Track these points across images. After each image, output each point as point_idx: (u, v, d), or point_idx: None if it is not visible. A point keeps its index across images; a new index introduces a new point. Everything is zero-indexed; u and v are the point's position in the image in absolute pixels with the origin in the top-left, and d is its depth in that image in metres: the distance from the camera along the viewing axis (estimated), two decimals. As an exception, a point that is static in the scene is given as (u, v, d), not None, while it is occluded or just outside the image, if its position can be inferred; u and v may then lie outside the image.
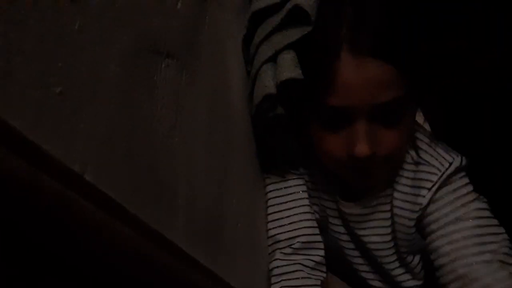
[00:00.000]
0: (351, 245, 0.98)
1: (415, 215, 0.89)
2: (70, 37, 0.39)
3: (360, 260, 0.99)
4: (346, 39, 0.75)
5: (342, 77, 0.75)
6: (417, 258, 0.97)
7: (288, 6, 0.78)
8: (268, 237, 0.91)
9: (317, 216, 0.97)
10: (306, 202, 0.93)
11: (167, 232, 0.51)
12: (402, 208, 0.90)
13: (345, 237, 0.97)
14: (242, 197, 0.80)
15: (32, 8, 0.35)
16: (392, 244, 0.94)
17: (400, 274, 0.98)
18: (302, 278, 0.87)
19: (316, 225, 0.93)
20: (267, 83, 0.79)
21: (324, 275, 0.90)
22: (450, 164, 0.86)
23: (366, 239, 0.94)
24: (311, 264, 0.89)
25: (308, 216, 0.92)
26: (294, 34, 0.78)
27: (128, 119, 0.48)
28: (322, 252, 0.91)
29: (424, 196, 0.87)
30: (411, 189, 0.89)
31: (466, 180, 0.88)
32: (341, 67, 0.75)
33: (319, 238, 0.92)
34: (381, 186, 0.91)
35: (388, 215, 0.92)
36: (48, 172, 0.33)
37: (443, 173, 0.86)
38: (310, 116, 0.83)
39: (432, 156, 0.88)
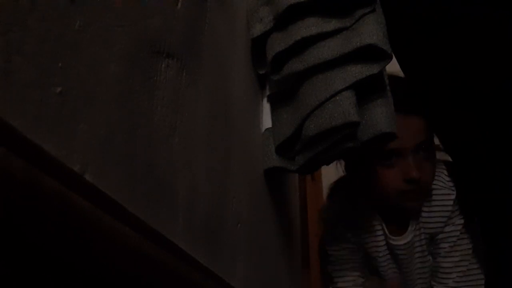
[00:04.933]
0: (394, 266, 1.39)
1: (442, 225, 1.29)
2: (70, 37, 0.39)
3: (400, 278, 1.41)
4: (399, 104, 0.98)
5: (398, 129, 0.96)
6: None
7: (357, 44, 0.83)
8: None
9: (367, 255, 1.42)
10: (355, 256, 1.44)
11: (167, 232, 0.51)
12: (429, 226, 1.30)
13: (391, 263, 1.39)
14: (243, 197, 0.80)
15: (32, 8, 0.35)
16: (426, 257, 1.35)
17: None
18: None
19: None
20: (351, 110, 0.83)
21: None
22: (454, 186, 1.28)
23: (411, 261, 1.35)
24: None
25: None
26: (374, 67, 0.85)
27: (128, 119, 0.48)
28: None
29: (448, 211, 1.27)
30: (432, 212, 1.30)
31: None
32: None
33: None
34: (415, 218, 1.31)
35: (423, 240, 1.32)
36: (48, 172, 0.33)
37: (455, 191, 1.27)
38: (373, 158, 1.23)
39: (442, 181, 1.28)
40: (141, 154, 0.51)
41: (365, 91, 0.89)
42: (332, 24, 0.84)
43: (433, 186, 1.28)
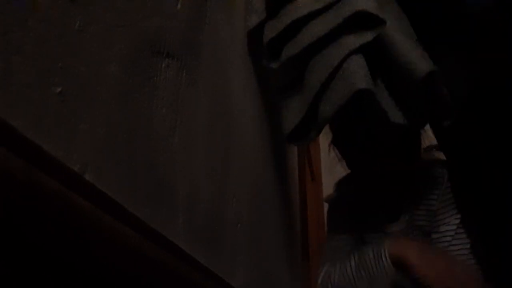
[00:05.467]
0: None
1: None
2: (70, 37, 0.39)
3: None
4: None
5: None
6: None
7: (346, 13, 0.81)
8: None
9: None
10: None
11: (167, 232, 0.51)
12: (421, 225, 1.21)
13: None
14: (243, 197, 0.80)
15: (32, 8, 0.35)
16: None
17: None
18: None
19: None
20: (357, 79, 0.81)
21: None
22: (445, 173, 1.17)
23: None
24: None
25: None
26: (367, 35, 0.82)
27: (128, 119, 0.48)
28: None
29: (433, 205, 1.18)
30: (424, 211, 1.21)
31: None
32: None
33: None
34: (406, 210, 1.20)
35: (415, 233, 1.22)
36: (48, 172, 0.33)
37: (442, 186, 1.19)
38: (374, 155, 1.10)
39: (428, 175, 1.20)
40: (141, 154, 0.50)
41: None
42: (321, 1, 0.83)
43: (420, 180, 1.23)
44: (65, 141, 0.39)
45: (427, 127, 1.22)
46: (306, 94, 0.85)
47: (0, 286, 0.31)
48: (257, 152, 0.90)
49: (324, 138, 1.17)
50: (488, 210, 1.10)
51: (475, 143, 1.07)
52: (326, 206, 1.57)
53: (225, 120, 0.75)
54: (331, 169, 1.42)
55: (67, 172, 0.37)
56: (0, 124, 0.30)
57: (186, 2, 0.61)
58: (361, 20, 0.81)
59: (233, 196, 0.75)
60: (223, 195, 0.72)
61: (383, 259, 1.05)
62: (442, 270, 1.06)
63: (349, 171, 1.37)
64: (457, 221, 1.21)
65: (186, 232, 0.58)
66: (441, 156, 1.26)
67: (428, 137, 1.26)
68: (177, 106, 0.58)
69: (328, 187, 1.56)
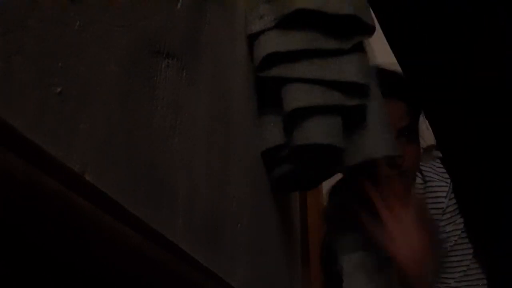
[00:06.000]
0: None
1: (438, 219, 1.23)
2: (70, 37, 0.39)
3: None
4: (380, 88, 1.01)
5: None
6: None
7: (348, 79, 0.92)
8: None
9: None
10: None
11: (167, 232, 0.51)
12: None
13: None
14: (243, 197, 0.80)
15: (32, 8, 0.35)
16: None
17: None
18: None
19: None
20: (339, 136, 0.91)
21: None
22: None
23: None
24: None
25: None
26: (352, 100, 0.92)
27: (128, 119, 0.48)
28: None
29: (442, 202, 1.23)
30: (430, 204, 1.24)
31: None
32: None
33: None
34: None
35: None
36: (48, 172, 0.33)
37: (450, 184, 1.24)
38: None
39: (435, 173, 1.26)
40: (141, 154, 0.50)
41: (356, 118, 0.95)
42: (331, 43, 0.89)
43: (426, 178, 1.26)
44: (65, 141, 0.39)
45: (427, 127, 1.24)
46: (283, 117, 0.91)
47: (0, 286, 0.31)
48: (257, 152, 0.90)
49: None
50: (486, 213, 1.11)
51: (473, 144, 1.07)
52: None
53: (225, 120, 0.75)
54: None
55: (67, 172, 0.37)
56: (0, 124, 0.30)
57: (186, 2, 0.61)
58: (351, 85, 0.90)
59: (233, 196, 0.75)
60: (223, 195, 0.72)
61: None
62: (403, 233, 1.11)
63: None
64: (463, 220, 1.23)
65: (186, 232, 0.58)
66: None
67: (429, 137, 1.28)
68: (177, 106, 0.58)
69: (328, 187, 1.55)
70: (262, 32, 0.89)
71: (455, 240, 1.25)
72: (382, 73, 1.07)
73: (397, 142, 1.08)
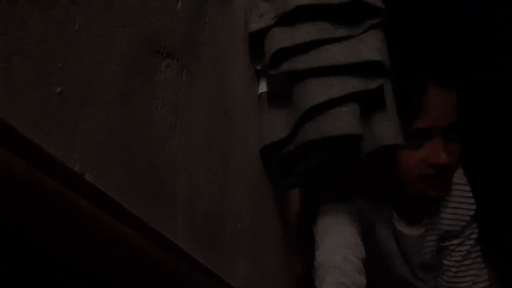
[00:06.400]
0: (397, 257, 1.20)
1: (463, 225, 1.17)
2: (70, 37, 0.39)
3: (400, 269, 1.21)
4: (434, 74, 0.99)
5: (430, 104, 0.97)
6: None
7: (364, 58, 0.86)
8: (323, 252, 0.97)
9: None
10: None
11: (167, 232, 0.51)
12: (447, 225, 1.17)
13: (394, 251, 1.19)
14: (243, 197, 0.80)
15: (32, 8, 0.35)
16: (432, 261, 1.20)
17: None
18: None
19: None
20: (356, 122, 0.85)
21: None
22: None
23: (415, 256, 1.19)
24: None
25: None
26: (372, 83, 0.87)
27: (128, 119, 0.48)
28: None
29: (474, 209, 1.16)
30: (454, 215, 1.17)
31: None
32: (430, 97, 0.98)
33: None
34: (431, 214, 1.16)
35: (433, 238, 1.17)
36: (48, 172, 0.33)
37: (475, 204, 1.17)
38: None
39: (466, 190, 1.17)
40: (141, 154, 0.50)
41: (368, 104, 0.90)
42: (341, 31, 0.86)
43: (455, 180, 1.14)
44: (65, 141, 0.39)
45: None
46: (293, 112, 0.87)
47: (0, 286, 0.31)
48: (257, 152, 0.90)
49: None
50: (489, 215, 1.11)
51: (469, 142, 1.08)
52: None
53: (225, 120, 0.75)
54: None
55: (67, 172, 0.37)
56: (0, 124, 0.30)
57: (186, 2, 0.61)
58: (369, 64, 0.86)
59: (233, 196, 0.75)
60: (223, 195, 0.72)
61: None
62: None
63: None
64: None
65: (186, 232, 0.58)
66: None
67: None
68: (177, 106, 0.58)
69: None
70: (264, 30, 0.88)
71: (472, 244, 1.20)
72: (440, 57, 1.02)
73: (446, 139, 1.01)
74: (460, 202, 1.15)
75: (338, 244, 0.95)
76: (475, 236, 1.17)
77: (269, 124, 0.91)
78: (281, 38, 0.85)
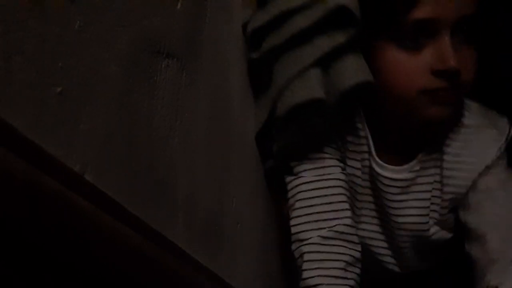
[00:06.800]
0: (375, 217, 0.92)
1: (471, 178, 0.83)
2: (70, 37, 0.39)
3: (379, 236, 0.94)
4: None
5: None
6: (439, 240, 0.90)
7: (331, 5, 0.76)
8: (298, 224, 0.83)
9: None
10: (344, 184, 0.86)
11: (167, 232, 0.51)
12: (454, 172, 0.85)
13: (371, 209, 0.91)
14: (243, 197, 0.80)
15: (32, 8, 0.35)
16: (427, 220, 0.88)
17: (415, 256, 0.93)
18: (340, 269, 0.81)
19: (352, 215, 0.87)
20: (316, 86, 0.77)
21: (359, 272, 0.83)
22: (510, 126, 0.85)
23: (400, 212, 0.88)
24: (350, 259, 0.82)
25: (347, 204, 0.85)
26: (340, 37, 0.77)
27: (128, 119, 0.48)
28: (359, 248, 0.84)
29: (492, 158, 0.83)
30: (467, 151, 0.84)
31: None
32: None
33: (355, 230, 0.86)
34: (430, 148, 0.85)
35: (431, 180, 0.86)
36: (48, 172, 0.33)
37: (508, 135, 0.84)
38: (383, 37, 0.78)
39: (487, 119, 0.85)
40: (141, 154, 0.50)
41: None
42: None
43: (472, 122, 0.84)
44: (65, 141, 0.39)
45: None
46: (272, 90, 0.81)
47: (0, 286, 0.31)
48: (257, 152, 0.90)
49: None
50: None
51: None
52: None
53: (225, 120, 0.75)
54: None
55: (67, 172, 0.37)
56: (0, 124, 0.30)
57: (186, 2, 0.61)
58: (337, 20, 0.77)
59: (233, 196, 0.75)
60: (223, 195, 0.72)
61: None
62: None
63: None
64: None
65: (186, 232, 0.58)
66: None
67: None
68: (177, 106, 0.58)
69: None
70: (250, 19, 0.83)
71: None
72: None
73: (455, 38, 0.75)
74: (475, 146, 0.84)
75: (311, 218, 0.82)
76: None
77: (257, 112, 0.86)
78: (256, 20, 0.82)
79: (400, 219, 0.88)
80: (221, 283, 0.64)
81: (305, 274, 0.80)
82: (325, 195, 0.84)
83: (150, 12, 0.53)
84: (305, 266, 0.80)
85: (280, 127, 0.82)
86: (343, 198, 0.84)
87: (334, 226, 0.82)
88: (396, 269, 0.95)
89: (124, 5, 0.47)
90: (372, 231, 0.93)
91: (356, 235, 0.85)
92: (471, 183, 0.83)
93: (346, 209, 0.84)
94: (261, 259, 0.88)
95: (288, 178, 0.86)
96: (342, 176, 0.86)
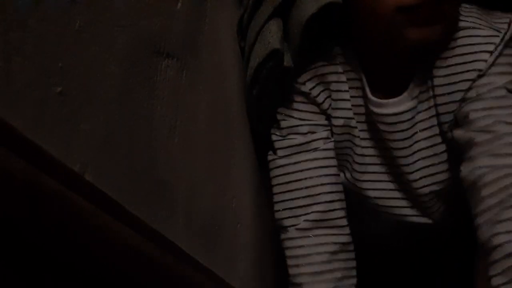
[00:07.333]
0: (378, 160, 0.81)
1: (462, 94, 0.72)
2: (70, 37, 0.39)
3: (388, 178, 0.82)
4: None
5: None
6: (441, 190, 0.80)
7: None
8: (277, 210, 0.78)
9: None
10: (326, 154, 0.78)
11: (166, 232, 0.51)
12: (446, 92, 0.74)
13: (377, 160, 0.81)
14: (243, 197, 0.80)
15: (32, 8, 0.35)
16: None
17: (438, 203, 0.82)
18: (323, 262, 0.75)
19: (340, 188, 0.78)
20: (270, 40, 0.72)
21: (349, 257, 0.76)
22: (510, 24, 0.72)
23: (410, 152, 0.78)
24: (334, 248, 0.75)
25: (326, 185, 0.77)
26: None
27: (128, 119, 0.48)
28: (347, 230, 0.77)
29: (485, 61, 0.71)
30: (457, 60, 0.73)
31: None
32: None
33: (341, 205, 0.77)
34: (422, 76, 0.75)
35: (429, 115, 0.76)
36: (48, 172, 0.33)
37: (505, 33, 0.71)
38: None
39: (483, 20, 0.74)
40: (141, 154, 0.51)
41: None
42: None
43: (461, 24, 0.73)
44: (65, 141, 0.39)
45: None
46: (244, 59, 0.78)
47: (0, 286, 0.31)
48: (257, 151, 0.90)
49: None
50: None
51: None
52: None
53: (225, 120, 0.75)
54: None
55: (67, 172, 0.37)
56: (0, 124, 0.30)
57: (186, 2, 0.61)
58: None
59: (233, 196, 0.75)
60: (223, 195, 0.72)
61: None
62: None
63: None
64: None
65: (185, 232, 0.58)
66: None
67: None
68: (177, 106, 0.58)
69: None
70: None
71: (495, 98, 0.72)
72: None
73: None
74: (466, 53, 0.72)
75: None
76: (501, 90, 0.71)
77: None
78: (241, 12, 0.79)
79: (411, 159, 0.78)
80: (221, 283, 0.64)
81: (290, 271, 0.76)
82: (300, 179, 0.77)
83: (150, 12, 0.53)
84: (288, 262, 0.76)
85: (253, 94, 0.77)
86: (322, 178, 0.77)
87: (310, 213, 0.75)
88: (421, 220, 0.83)
89: (124, 5, 0.47)
90: (383, 184, 0.82)
91: (343, 217, 0.77)
92: (462, 96, 0.72)
93: (326, 192, 0.76)
94: (261, 259, 0.88)
95: (269, 156, 0.80)
96: (323, 144, 0.78)
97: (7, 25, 0.32)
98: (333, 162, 0.79)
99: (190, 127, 0.61)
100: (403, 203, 0.83)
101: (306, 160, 0.77)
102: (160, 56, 0.55)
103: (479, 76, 0.71)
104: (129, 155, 0.48)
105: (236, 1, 0.82)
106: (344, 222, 0.77)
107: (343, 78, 0.78)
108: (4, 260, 0.31)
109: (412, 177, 0.79)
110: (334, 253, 0.75)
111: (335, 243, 0.76)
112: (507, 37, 0.71)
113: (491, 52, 0.71)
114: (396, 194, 0.82)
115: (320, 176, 0.77)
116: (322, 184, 0.77)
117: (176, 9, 0.59)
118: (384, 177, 0.82)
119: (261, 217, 0.90)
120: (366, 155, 0.81)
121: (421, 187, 0.80)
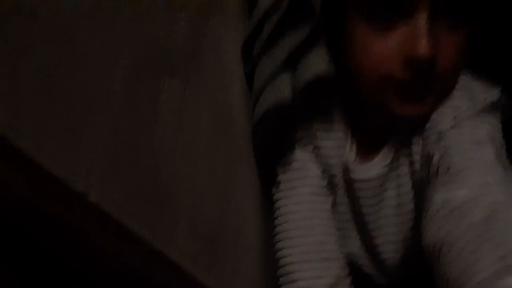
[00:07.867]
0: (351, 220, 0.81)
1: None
2: (72, 41, 0.39)
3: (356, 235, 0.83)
4: None
5: None
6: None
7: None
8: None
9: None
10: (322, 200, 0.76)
11: (169, 245, 0.50)
12: (422, 161, 0.69)
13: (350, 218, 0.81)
14: (247, 210, 0.79)
15: (32, 9, 0.35)
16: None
17: (400, 264, 0.81)
18: None
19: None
20: (282, 89, 0.72)
21: None
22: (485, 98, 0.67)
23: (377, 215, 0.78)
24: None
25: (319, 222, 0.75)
26: (304, 28, 0.69)
27: (130, 135, 0.48)
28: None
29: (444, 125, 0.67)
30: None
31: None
32: None
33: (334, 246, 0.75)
34: (394, 143, 0.73)
35: (407, 178, 0.73)
36: (50, 194, 0.33)
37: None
38: (352, 14, 0.67)
39: (463, 91, 0.68)
40: (143, 167, 0.50)
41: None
42: None
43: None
44: (67, 157, 0.39)
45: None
46: (252, 97, 0.78)
47: (0, 286, 0.30)
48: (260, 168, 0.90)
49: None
50: None
51: None
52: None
53: (229, 136, 0.75)
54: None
55: (69, 194, 0.37)
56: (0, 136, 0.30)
57: (189, 19, 0.61)
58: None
59: (237, 210, 0.75)
60: (226, 209, 0.71)
61: None
62: None
63: None
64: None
65: (188, 245, 0.58)
66: None
67: None
68: (180, 120, 0.58)
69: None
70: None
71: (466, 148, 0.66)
72: None
73: (434, 20, 0.62)
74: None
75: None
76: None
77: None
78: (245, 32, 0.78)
79: (378, 223, 0.78)
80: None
81: None
82: (298, 218, 0.77)
83: (153, 30, 0.53)
84: None
85: (259, 134, 0.77)
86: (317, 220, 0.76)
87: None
88: (383, 280, 0.84)
89: (127, 20, 0.47)
90: (355, 242, 0.83)
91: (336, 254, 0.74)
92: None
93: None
94: (265, 272, 0.87)
95: (273, 189, 0.80)
96: (319, 189, 0.77)
97: (7, 25, 0.32)
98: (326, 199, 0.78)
99: (192, 143, 0.61)
100: (369, 264, 0.83)
101: (304, 201, 0.77)
102: (163, 74, 0.55)
103: (439, 138, 0.66)
104: (131, 168, 0.48)
105: (241, 17, 0.82)
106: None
107: (332, 135, 0.77)
108: (4, 260, 0.30)
109: (376, 241, 0.80)
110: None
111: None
112: (478, 107, 0.66)
113: (451, 118, 0.66)
114: (363, 254, 0.83)
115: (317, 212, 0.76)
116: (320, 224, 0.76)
117: (179, 26, 0.59)
118: (354, 234, 0.82)
119: (265, 230, 0.89)
120: (342, 212, 0.80)
121: (384, 252, 0.80)
